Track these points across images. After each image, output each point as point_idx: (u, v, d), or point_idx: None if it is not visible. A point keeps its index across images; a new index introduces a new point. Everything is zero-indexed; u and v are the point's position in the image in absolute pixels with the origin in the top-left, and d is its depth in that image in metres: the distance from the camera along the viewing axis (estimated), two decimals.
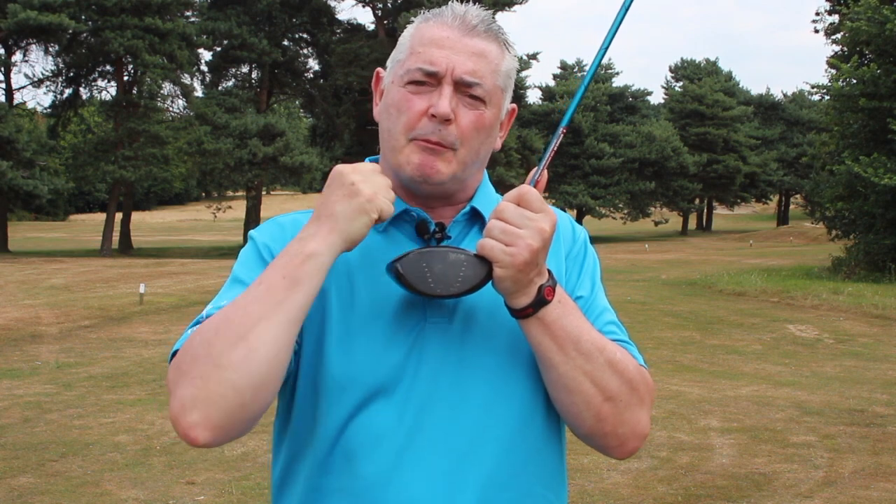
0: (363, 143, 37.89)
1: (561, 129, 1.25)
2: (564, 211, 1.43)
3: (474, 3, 1.32)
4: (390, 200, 1.20)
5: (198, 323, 1.23)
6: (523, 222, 1.16)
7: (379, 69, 1.37)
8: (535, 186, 1.21)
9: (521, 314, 1.20)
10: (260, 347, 1.11)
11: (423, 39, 1.27)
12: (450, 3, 1.31)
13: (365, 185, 1.17)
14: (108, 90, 36.25)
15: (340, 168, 1.19)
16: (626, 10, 1.28)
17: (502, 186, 34.97)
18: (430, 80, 1.25)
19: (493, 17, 1.31)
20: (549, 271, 1.21)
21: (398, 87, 1.27)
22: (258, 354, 1.11)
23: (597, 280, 1.40)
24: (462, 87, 1.25)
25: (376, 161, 1.36)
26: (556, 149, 1.25)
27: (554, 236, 1.25)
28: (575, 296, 1.34)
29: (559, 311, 1.21)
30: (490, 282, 1.19)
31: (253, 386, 1.11)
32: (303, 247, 1.16)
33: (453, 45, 1.25)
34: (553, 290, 1.20)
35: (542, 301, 1.19)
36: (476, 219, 1.35)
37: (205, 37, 34.44)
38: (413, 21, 1.34)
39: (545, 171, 1.23)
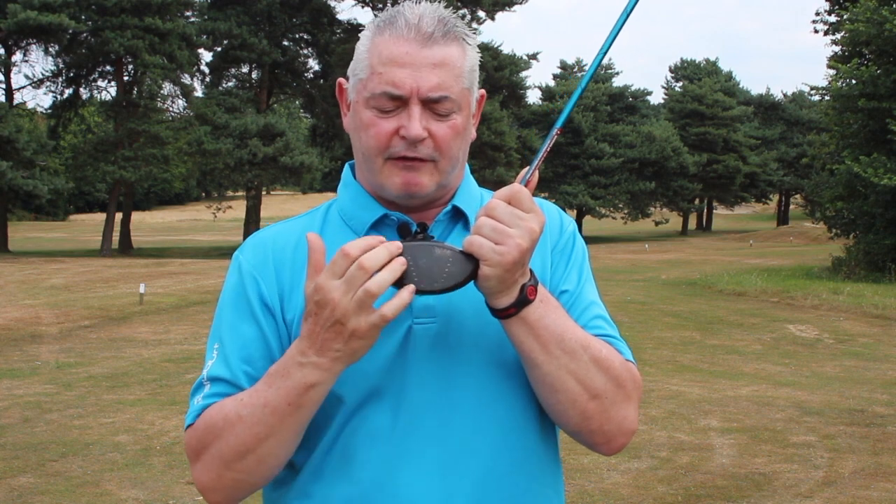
0: None
1: (555, 131, 1.23)
2: (558, 206, 1.41)
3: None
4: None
5: (200, 387, 1.27)
6: (514, 221, 1.13)
7: (341, 80, 1.33)
8: (525, 186, 1.19)
9: (503, 314, 1.18)
10: (268, 458, 1.21)
11: (382, 58, 1.21)
12: (401, 5, 1.26)
13: (359, 319, 1.11)
14: (108, 90, 36.30)
15: (323, 299, 1.11)
16: (629, 14, 1.25)
17: (502, 186, 34.90)
18: (396, 102, 1.21)
19: (444, 8, 1.26)
20: (532, 271, 1.19)
21: (364, 108, 1.24)
22: (267, 463, 1.21)
23: (584, 273, 1.37)
24: (430, 104, 1.21)
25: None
26: (549, 149, 1.22)
27: None
28: (560, 290, 1.33)
29: (541, 311, 1.19)
30: (473, 280, 1.16)
31: (265, 479, 1.24)
32: (305, 376, 1.15)
33: (413, 60, 1.20)
34: (535, 289, 1.18)
35: (524, 300, 1.17)
36: (458, 217, 1.33)
37: (205, 37, 34.42)
38: (365, 28, 1.28)
39: (537, 172, 1.21)
